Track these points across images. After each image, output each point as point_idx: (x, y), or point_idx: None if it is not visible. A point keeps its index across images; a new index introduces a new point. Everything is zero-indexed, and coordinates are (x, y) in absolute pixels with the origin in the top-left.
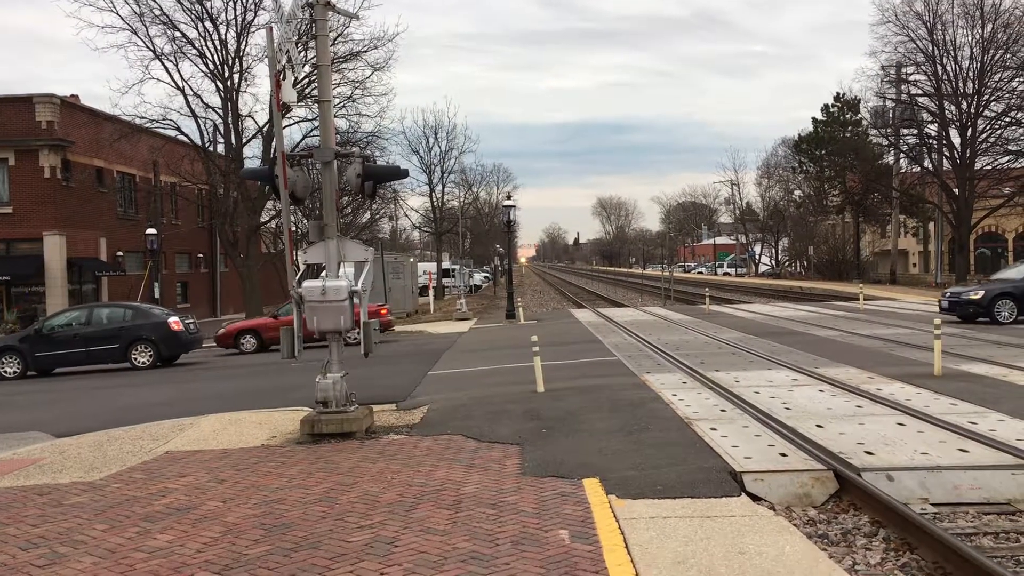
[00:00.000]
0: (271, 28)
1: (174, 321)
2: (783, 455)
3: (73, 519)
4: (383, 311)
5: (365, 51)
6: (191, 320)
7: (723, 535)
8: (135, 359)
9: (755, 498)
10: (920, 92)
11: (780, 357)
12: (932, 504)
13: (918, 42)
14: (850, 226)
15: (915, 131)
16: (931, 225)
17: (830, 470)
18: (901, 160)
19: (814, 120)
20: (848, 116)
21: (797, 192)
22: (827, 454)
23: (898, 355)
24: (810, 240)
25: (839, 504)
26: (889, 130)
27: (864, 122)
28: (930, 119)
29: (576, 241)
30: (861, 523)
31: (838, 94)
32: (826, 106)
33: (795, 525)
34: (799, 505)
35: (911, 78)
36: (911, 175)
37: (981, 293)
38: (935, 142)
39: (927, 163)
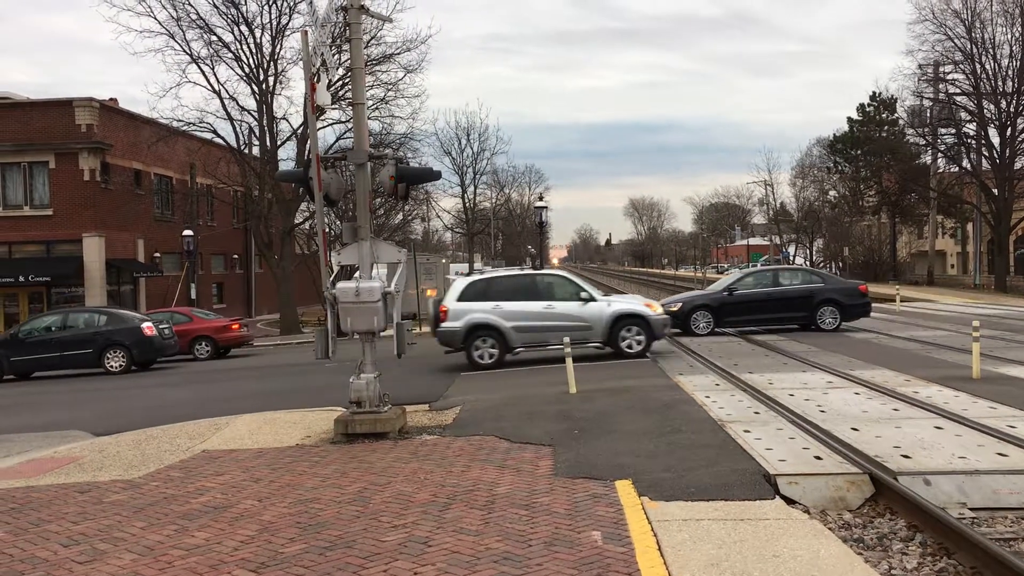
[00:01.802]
0: (306, 31)
1: (147, 326)
2: (818, 458)
3: (113, 516)
4: (234, 326)
5: (398, 53)
6: (166, 325)
7: (757, 538)
8: (108, 364)
9: (789, 501)
10: (958, 91)
11: (814, 359)
12: (970, 509)
13: (956, 40)
14: (886, 227)
15: (953, 130)
16: (969, 226)
17: (866, 474)
18: (939, 160)
19: (849, 120)
20: (884, 115)
21: (832, 192)
22: (863, 457)
23: (935, 357)
24: (845, 241)
25: (875, 508)
26: (926, 129)
27: (901, 121)
28: (968, 118)
29: (608, 242)
30: (897, 527)
31: (874, 93)
32: (862, 105)
33: (830, 529)
34: (834, 509)
35: (949, 77)
36: (949, 175)
37: (679, 305)
38: (973, 142)
39: (965, 163)
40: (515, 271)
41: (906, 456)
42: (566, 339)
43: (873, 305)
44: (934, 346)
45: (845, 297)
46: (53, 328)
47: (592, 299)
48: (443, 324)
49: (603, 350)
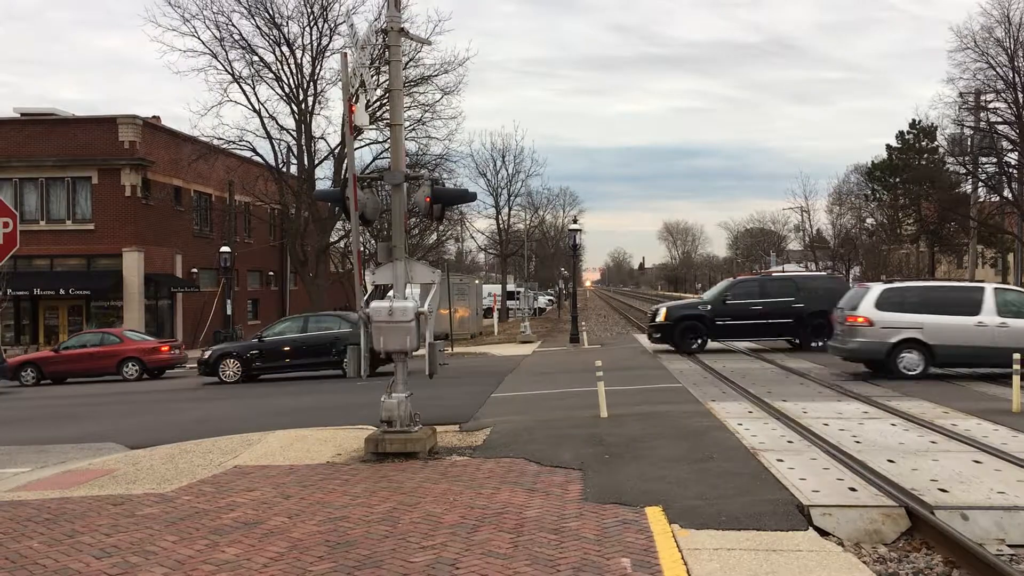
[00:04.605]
0: (345, 54)
1: None
2: (852, 490)
3: (145, 530)
4: (163, 348)
5: (436, 75)
6: None
7: (789, 570)
8: None
9: (823, 533)
10: (1000, 120)
11: (850, 388)
12: (1008, 545)
13: (998, 69)
14: (925, 256)
15: (994, 159)
16: (1010, 256)
17: (902, 507)
18: (979, 189)
19: (888, 147)
20: (924, 143)
21: (869, 220)
22: (899, 490)
23: (974, 390)
24: (883, 269)
25: (911, 542)
26: (967, 158)
27: (941, 150)
28: (1010, 147)
29: (641, 265)
30: (934, 563)
31: (913, 121)
32: (901, 133)
33: (864, 562)
34: (869, 542)
35: (990, 105)
36: (990, 204)
37: (209, 353)
38: (1015, 171)
39: (1007, 192)
40: None
41: (943, 490)
42: (598, 362)
43: None
44: (973, 378)
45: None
46: None
47: None
48: None
49: None
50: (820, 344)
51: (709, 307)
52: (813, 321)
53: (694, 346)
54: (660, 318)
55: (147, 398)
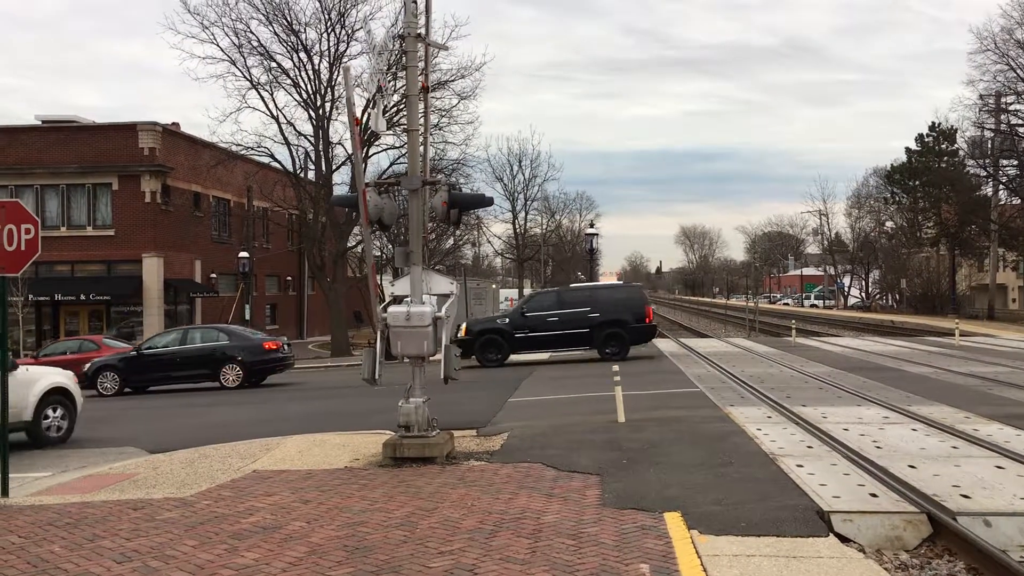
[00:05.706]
0: (347, 68)
1: None
2: (873, 495)
3: (165, 534)
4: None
5: (452, 80)
6: None
7: None
8: None
9: (844, 539)
10: (1021, 122)
11: (870, 393)
12: None
13: (1018, 71)
14: (945, 259)
15: (1015, 162)
16: None
17: (923, 513)
18: (1000, 192)
19: (908, 150)
20: (944, 146)
21: (889, 223)
22: (920, 496)
23: (997, 395)
24: (902, 273)
25: (933, 549)
26: (987, 161)
27: (961, 152)
28: None
29: (658, 270)
30: (956, 570)
31: (933, 123)
32: (921, 135)
33: (886, 569)
34: (890, 548)
35: (1011, 108)
36: (1011, 207)
37: (88, 365)
38: None
39: None
40: None
41: (965, 496)
42: (615, 367)
43: (930, 339)
44: (995, 383)
45: (249, 355)
46: None
47: None
48: None
49: None
50: (614, 353)
51: (508, 320)
52: (608, 330)
53: (494, 360)
54: (461, 333)
55: (137, 403)
